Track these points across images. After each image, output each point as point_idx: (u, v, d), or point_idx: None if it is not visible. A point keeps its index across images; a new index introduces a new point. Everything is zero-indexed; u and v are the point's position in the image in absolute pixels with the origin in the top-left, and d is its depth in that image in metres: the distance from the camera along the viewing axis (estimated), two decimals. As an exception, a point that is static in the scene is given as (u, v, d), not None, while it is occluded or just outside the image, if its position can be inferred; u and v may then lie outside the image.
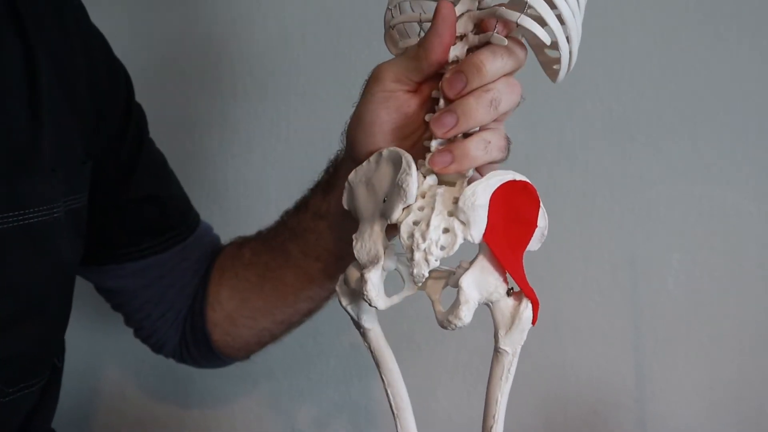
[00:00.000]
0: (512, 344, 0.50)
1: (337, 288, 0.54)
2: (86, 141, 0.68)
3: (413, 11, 0.55)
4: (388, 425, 1.06)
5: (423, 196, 0.50)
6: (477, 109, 0.49)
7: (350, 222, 0.61)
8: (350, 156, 0.58)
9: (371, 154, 0.55)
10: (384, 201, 0.51)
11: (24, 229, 0.61)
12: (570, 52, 0.51)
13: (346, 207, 0.55)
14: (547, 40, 0.49)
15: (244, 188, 1.01)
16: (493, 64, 0.49)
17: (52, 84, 0.64)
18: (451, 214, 0.48)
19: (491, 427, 0.50)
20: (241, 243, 0.78)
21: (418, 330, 1.00)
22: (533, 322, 0.49)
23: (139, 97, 1.00)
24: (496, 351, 0.50)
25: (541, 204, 0.51)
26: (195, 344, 0.80)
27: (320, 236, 0.67)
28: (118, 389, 1.08)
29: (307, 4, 0.96)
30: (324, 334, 1.02)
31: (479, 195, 0.48)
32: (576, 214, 0.95)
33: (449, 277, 0.50)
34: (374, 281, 0.49)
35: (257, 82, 0.99)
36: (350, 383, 1.02)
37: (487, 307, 0.50)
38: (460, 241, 0.48)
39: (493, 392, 0.50)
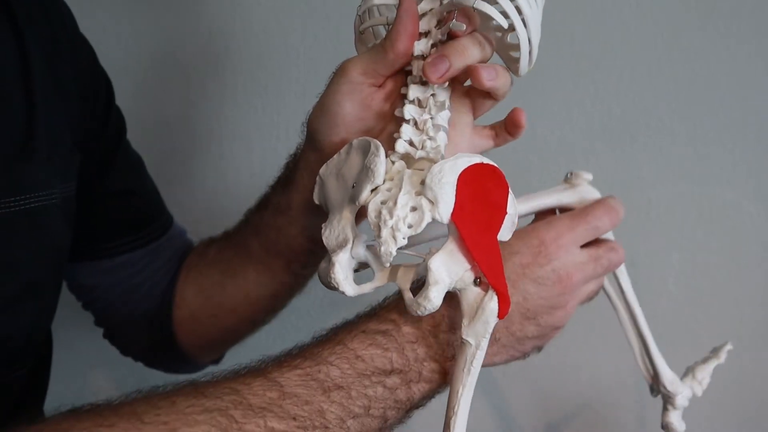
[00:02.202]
0: (475, 336, 0.48)
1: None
2: (73, 133, 0.69)
3: (380, 16, 0.58)
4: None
5: (392, 180, 0.50)
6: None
7: (310, 217, 0.62)
8: (311, 146, 0.60)
9: (333, 144, 0.57)
10: (353, 187, 0.51)
11: (26, 213, 0.62)
12: (529, 41, 0.53)
13: (317, 202, 0.55)
14: (504, 23, 0.52)
15: (245, 189, 1.01)
16: (473, 49, 0.54)
17: (44, 75, 0.65)
18: (419, 193, 0.48)
19: (450, 419, 0.49)
20: (209, 242, 0.78)
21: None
22: (500, 316, 0.48)
23: (139, 97, 1.00)
24: (460, 341, 0.49)
25: (510, 191, 0.51)
26: (161, 346, 0.80)
27: (280, 232, 0.67)
28: (112, 390, 1.08)
29: (307, 4, 0.96)
30: (324, 334, 1.02)
31: (446, 172, 0.48)
32: (576, 214, 0.95)
33: (419, 265, 0.49)
34: (342, 264, 0.49)
35: (257, 82, 0.99)
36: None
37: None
38: (427, 219, 0.47)
39: (455, 384, 0.49)
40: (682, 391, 0.68)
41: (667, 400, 0.68)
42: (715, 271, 0.94)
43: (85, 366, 1.06)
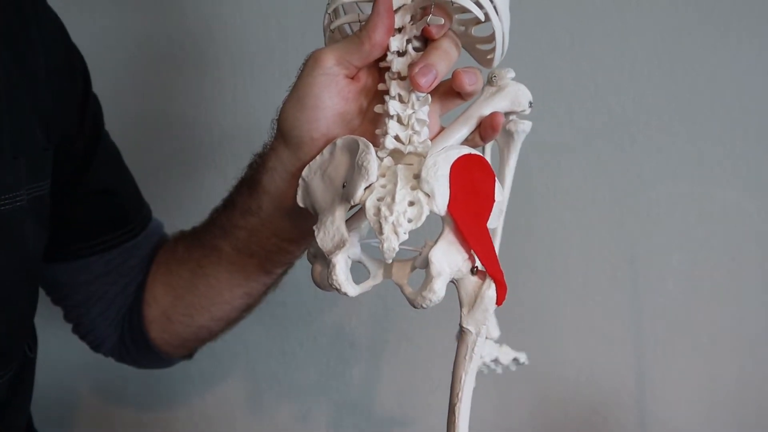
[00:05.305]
0: (475, 324, 0.49)
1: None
2: (46, 127, 0.67)
3: (351, 13, 0.57)
4: (389, 425, 1.06)
5: (383, 176, 0.50)
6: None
7: (283, 218, 0.61)
8: (285, 143, 0.58)
9: (313, 139, 0.55)
10: (343, 187, 0.51)
11: None
12: (503, 31, 0.54)
13: (301, 205, 0.55)
14: (481, 16, 0.52)
15: (244, 188, 1.01)
16: (453, 51, 0.54)
17: (10, 69, 0.63)
18: (414, 187, 0.49)
19: (455, 405, 0.50)
20: (179, 237, 0.76)
21: (417, 328, 1.00)
22: (498, 303, 0.49)
23: (140, 97, 1.00)
24: (460, 330, 0.50)
25: (497, 179, 0.52)
26: (133, 343, 0.78)
27: (252, 233, 0.65)
28: (98, 388, 1.08)
29: (307, 4, 0.96)
30: (324, 334, 1.02)
31: (440, 165, 0.49)
32: (576, 214, 0.95)
33: (415, 259, 0.50)
34: (342, 265, 0.49)
35: (258, 83, 0.98)
36: (350, 384, 1.02)
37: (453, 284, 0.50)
38: (426, 212, 0.48)
39: (457, 371, 0.50)
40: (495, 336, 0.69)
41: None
42: (715, 271, 0.94)
43: (71, 364, 1.05)
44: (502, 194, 0.52)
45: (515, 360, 0.72)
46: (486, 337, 0.64)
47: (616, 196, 0.94)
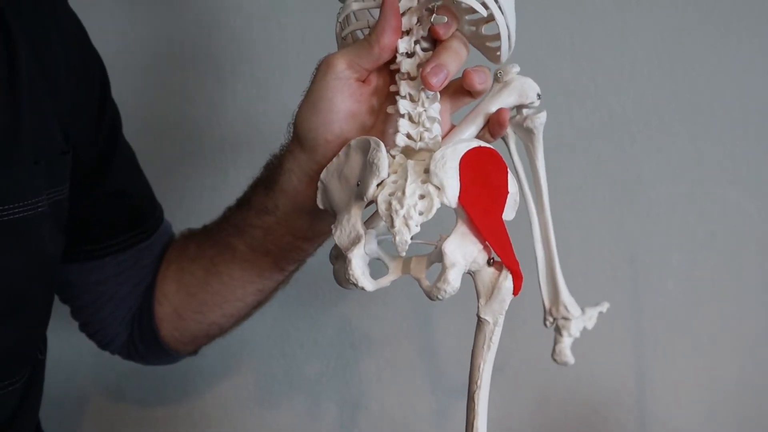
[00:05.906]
0: (492, 314, 0.50)
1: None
2: (65, 130, 0.67)
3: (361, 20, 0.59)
4: (389, 425, 1.06)
5: (395, 172, 0.51)
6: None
7: (301, 217, 0.63)
8: (302, 146, 0.59)
9: (327, 142, 0.57)
10: (358, 185, 0.52)
11: (7, 225, 0.60)
12: (507, 27, 0.54)
13: (321, 206, 0.56)
14: (484, 13, 0.53)
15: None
16: (462, 51, 0.55)
17: (32, 72, 0.63)
18: (424, 181, 0.50)
19: (474, 392, 0.51)
20: (188, 235, 0.77)
21: (418, 328, 1.00)
22: (515, 293, 0.50)
23: (140, 97, 1.00)
24: (478, 319, 0.51)
25: (509, 170, 0.53)
26: (142, 341, 0.79)
27: (268, 232, 0.66)
28: (100, 386, 1.08)
29: (307, 4, 0.96)
30: (324, 334, 1.02)
31: (449, 158, 0.50)
32: (576, 215, 0.95)
33: (432, 254, 0.51)
34: (358, 260, 0.50)
35: (258, 83, 0.99)
36: (350, 383, 1.02)
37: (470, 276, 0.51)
38: (437, 204, 0.49)
39: (476, 359, 0.51)
40: (578, 316, 0.69)
41: (563, 326, 0.69)
42: (715, 271, 0.94)
43: (72, 362, 1.05)
44: (515, 185, 0.53)
45: (600, 313, 0.72)
46: (573, 318, 0.68)
47: (616, 196, 0.94)
